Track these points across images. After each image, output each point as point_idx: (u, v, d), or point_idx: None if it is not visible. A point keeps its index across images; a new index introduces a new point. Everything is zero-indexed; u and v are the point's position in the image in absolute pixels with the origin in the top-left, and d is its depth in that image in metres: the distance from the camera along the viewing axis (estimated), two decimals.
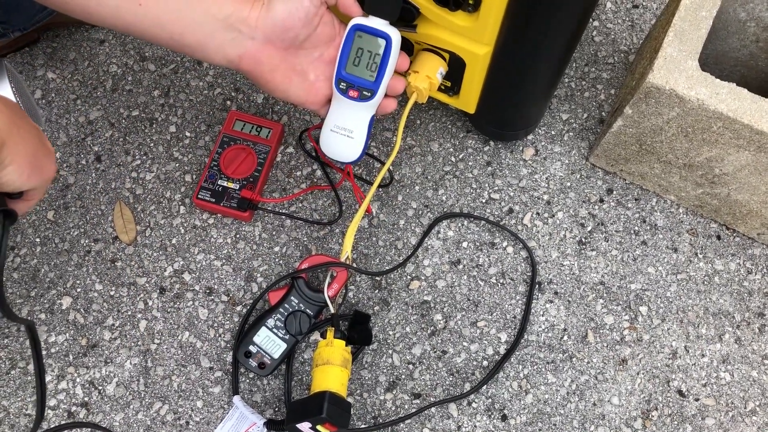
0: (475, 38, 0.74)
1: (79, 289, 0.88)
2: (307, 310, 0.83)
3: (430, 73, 0.78)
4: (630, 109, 0.80)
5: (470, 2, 0.69)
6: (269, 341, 0.83)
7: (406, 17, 0.73)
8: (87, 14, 0.62)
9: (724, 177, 0.83)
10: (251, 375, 0.84)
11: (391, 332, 0.87)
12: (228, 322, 0.87)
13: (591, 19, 1.04)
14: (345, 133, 0.73)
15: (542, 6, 0.68)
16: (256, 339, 0.83)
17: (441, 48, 0.77)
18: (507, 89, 0.82)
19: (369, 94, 0.70)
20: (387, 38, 0.68)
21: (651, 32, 0.94)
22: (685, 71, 0.75)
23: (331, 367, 0.75)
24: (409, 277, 0.89)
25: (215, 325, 0.87)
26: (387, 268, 0.89)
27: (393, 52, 0.69)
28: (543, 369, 0.85)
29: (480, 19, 0.70)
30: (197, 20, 0.63)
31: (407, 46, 0.79)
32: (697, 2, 0.78)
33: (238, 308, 0.87)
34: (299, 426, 0.73)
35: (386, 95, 0.72)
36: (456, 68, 0.79)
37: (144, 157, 0.95)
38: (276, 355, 0.82)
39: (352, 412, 0.80)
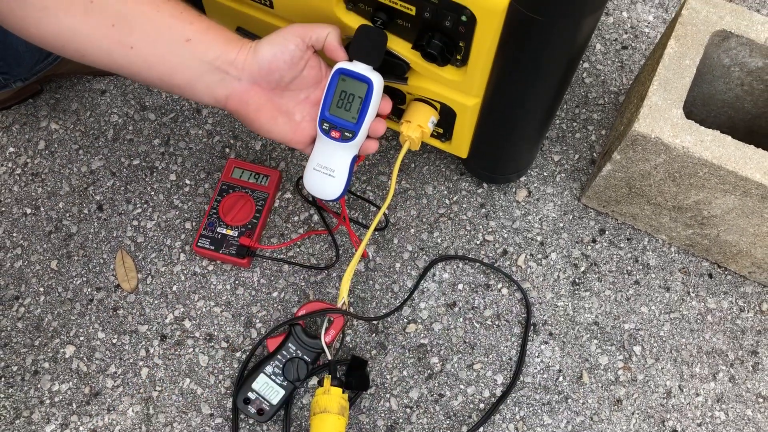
0: (464, 90, 0.76)
1: (82, 338, 0.90)
2: (305, 357, 0.85)
3: (421, 122, 0.80)
4: (618, 154, 0.82)
5: (458, 57, 0.72)
6: (268, 388, 0.84)
7: (397, 71, 0.75)
8: (81, 57, 0.65)
9: (712, 219, 0.84)
10: (251, 421, 0.85)
11: (388, 376, 0.88)
12: (228, 368, 0.88)
13: (581, 61, 1.06)
14: (327, 171, 0.75)
15: (528, 61, 0.70)
16: (255, 386, 0.84)
17: (432, 98, 0.79)
18: (497, 137, 0.84)
19: (350, 135, 0.72)
20: (369, 82, 0.70)
21: (639, 75, 0.96)
22: (670, 119, 0.77)
23: (328, 416, 0.76)
24: (405, 320, 0.91)
25: (215, 371, 0.88)
26: (383, 311, 0.91)
27: (374, 96, 0.71)
28: (539, 410, 0.86)
29: (468, 73, 0.73)
30: (185, 62, 0.65)
31: (399, 96, 0.81)
32: (681, 51, 0.80)
33: (238, 354, 0.89)
34: None
35: (368, 137, 0.74)
36: (447, 116, 0.81)
37: (145, 206, 0.97)
38: (274, 402, 0.84)
39: None
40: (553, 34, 0.66)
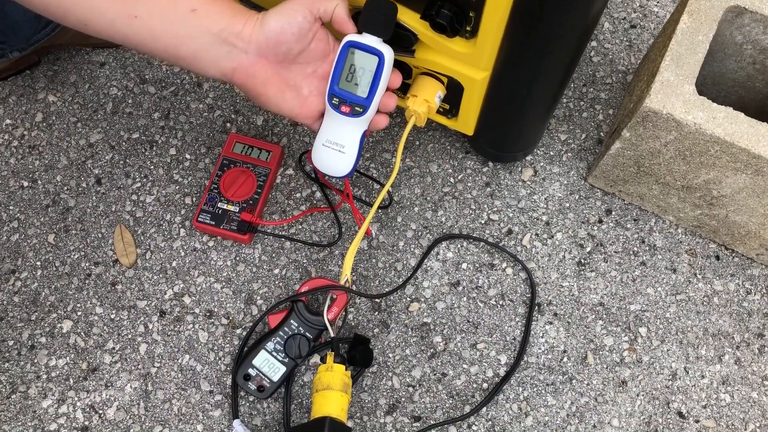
0: (473, 63, 0.74)
1: (79, 313, 0.88)
2: (307, 334, 0.83)
3: (428, 96, 0.78)
4: (628, 132, 0.81)
5: (468, 29, 0.70)
6: (268, 364, 0.83)
7: (404, 43, 0.74)
8: (84, 26, 0.63)
9: (722, 199, 0.83)
10: (251, 398, 0.84)
11: (390, 355, 0.87)
12: (228, 345, 0.87)
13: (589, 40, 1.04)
14: (337, 147, 0.73)
15: (539, 33, 0.69)
16: (256, 362, 0.83)
17: (439, 72, 0.77)
18: (505, 113, 0.83)
19: (361, 110, 0.71)
20: (380, 55, 0.69)
21: (648, 53, 0.95)
22: (682, 96, 0.75)
23: (331, 392, 0.75)
24: (408, 299, 0.89)
25: (215, 348, 0.87)
26: (386, 290, 0.90)
27: (385, 69, 0.69)
28: (543, 391, 0.85)
29: (478, 46, 0.71)
30: (192, 34, 0.63)
31: (405, 70, 0.80)
32: (694, 26, 0.78)
33: (238, 331, 0.87)
34: None
35: (378, 111, 0.73)
36: (454, 91, 0.80)
37: (144, 180, 0.95)
38: (275, 378, 0.82)
39: None
40: (568, 3, 0.64)
